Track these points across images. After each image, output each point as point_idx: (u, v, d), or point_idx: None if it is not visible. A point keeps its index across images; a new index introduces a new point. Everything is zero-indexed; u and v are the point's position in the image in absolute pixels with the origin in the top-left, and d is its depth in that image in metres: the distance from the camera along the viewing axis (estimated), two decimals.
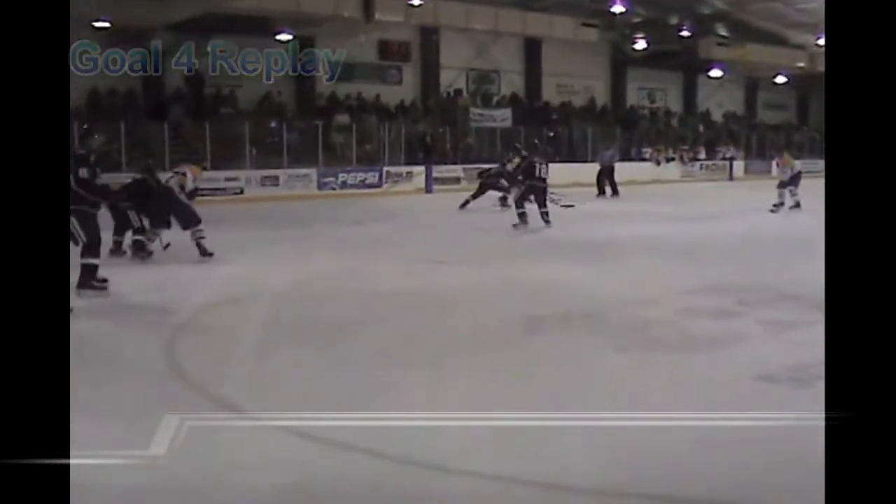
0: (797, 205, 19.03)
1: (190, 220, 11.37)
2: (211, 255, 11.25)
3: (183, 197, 11.52)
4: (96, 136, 9.12)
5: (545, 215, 15.47)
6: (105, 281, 8.36)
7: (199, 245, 11.29)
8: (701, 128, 41.02)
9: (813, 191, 18.81)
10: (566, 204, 16.40)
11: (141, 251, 11.24)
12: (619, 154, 28.62)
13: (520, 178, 16.08)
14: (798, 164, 19.49)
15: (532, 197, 15.43)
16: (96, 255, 8.39)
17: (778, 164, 20.05)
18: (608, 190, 25.03)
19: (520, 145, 30.05)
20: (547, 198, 15.69)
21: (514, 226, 15.09)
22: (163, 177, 11.96)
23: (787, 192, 19.13)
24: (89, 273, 8.31)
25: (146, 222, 11.30)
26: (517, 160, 18.20)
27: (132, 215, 11.22)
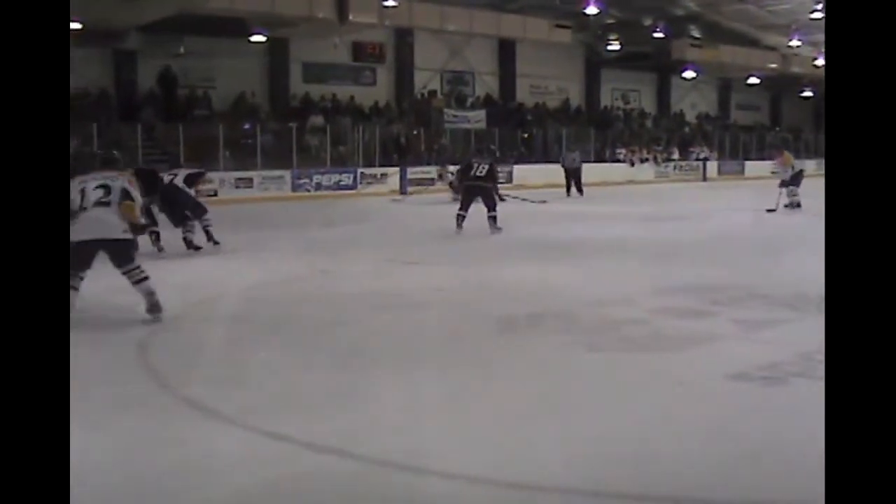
0: (798, 204, 18.51)
1: (199, 211, 12.22)
2: (199, 248, 11.95)
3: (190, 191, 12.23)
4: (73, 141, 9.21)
5: (492, 221, 14.65)
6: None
7: (186, 240, 11.99)
8: (687, 129, 41.27)
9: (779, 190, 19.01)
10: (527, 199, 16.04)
11: (158, 242, 11.90)
12: (582, 157, 28.76)
13: (459, 179, 15.46)
14: (798, 164, 19.07)
15: (480, 199, 14.83)
16: None
17: (777, 164, 19.73)
18: (574, 191, 25.53)
19: (494, 146, 30.37)
20: (495, 201, 14.93)
21: (456, 228, 14.72)
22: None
23: (786, 191, 18.70)
24: None
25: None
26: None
27: (154, 209, 11.83)
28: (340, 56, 31.08)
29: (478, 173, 14.99)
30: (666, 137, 38.90)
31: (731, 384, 5.41)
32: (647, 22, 35.24)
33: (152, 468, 4.07)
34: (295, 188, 25.33)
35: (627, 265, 10.81)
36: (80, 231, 6.88)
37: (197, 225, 12.21)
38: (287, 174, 25.51)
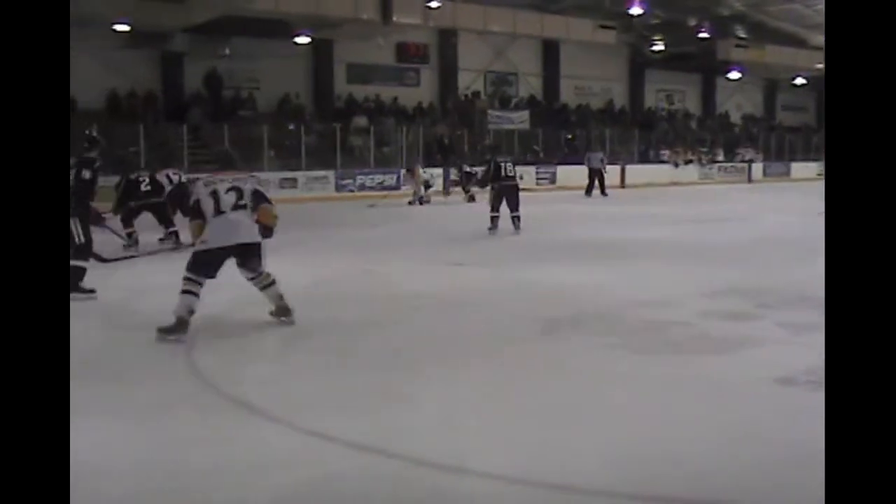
0: None
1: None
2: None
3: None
4: (99, 141, 9.31)
5: (516, 220, 14.84)
6: (93, 291, 8.38)
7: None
8: (736, 130, 40.92)
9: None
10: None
11: (177, 241, 12.53)
12: (627, 158, 28.86)
13: (488, 180, 15.33)
14: None
15: (505, 200, 14.83)
16: (87, 258, 8.47)
17: None
18: (597, 191, 25.87)
19: (538, 147, 30.40)
20: (519, 201, 15.02)
21: (490, 230, 14.70)
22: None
23: None
24: (78, 276, 8.29)
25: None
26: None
27: (169, 210, 12.88)
28: (384, 57, 31.24)
29: (508, 173, 15.03)
30: (710, 139, 38.64)
31: (777, 388, 5.37)
32: (692, 22, 35.03)
33: (196, 465, 4.12)
34: (338, 188, 25.48)
35: (671, 267, 10.74)
36: (218, 236, 6.74)
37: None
38: (331, 174, 25.68)
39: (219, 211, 6.75)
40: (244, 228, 6.82)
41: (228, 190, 6.82)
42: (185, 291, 6.64)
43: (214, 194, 6.79)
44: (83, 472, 3.94)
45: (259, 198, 6.96)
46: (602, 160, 26.60)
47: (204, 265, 6.72)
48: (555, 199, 23.90)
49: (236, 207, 6.79)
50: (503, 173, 14.96)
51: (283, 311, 7.10)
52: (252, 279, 7.02)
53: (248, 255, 6.90)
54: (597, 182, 26.04)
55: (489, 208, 15.04)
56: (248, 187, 6.94)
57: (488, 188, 15.57)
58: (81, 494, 3.72)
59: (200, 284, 6.71)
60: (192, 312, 6.63)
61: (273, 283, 7.04)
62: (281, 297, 7.09)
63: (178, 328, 6.56)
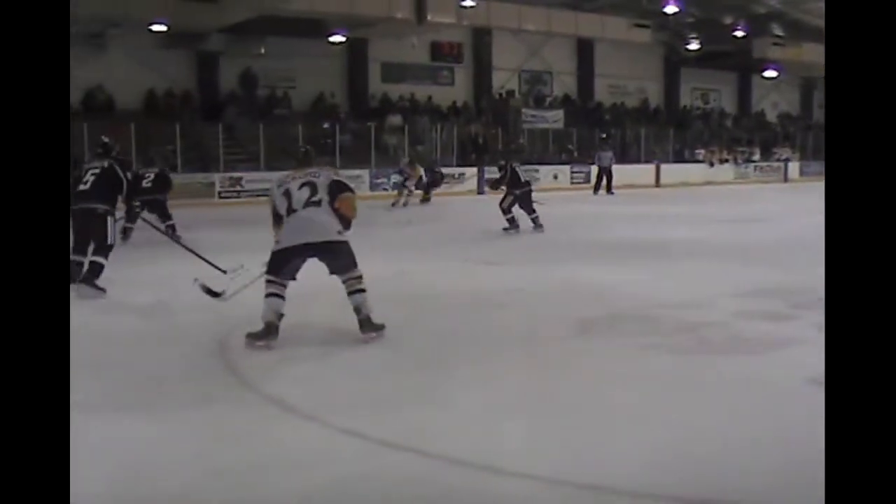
0: None
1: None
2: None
3: None
4: (113, 147, 9.51)
5: (536, 220, 14.88)
6: (103, 290, 8.48)
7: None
8: (778, 129, 40.55)
9: None
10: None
11: (174, 234, 12.79)
12: (662, 157, 28.87)
13: (505, 185, 15.08)
14: None
15: (519, 204, 14.86)
16: (108, 256, 8.57)
17: None
18: (602, 191, 26.20)
19: (572, 146, 30.35)
20: (533, 202, 15.06)
21: (505, 230, 14.71)
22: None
23: None
24: (96, 272, 8.44)
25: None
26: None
27: (167, 206, 13.59)
28: (419, 56, 31.28)
29: (526, 178, 15.30)
30: (746, 138, 38.37)
31: (812, 389, 5.31)
32: (728, 20, 34.76)
33: (229, 462, 4.16)
34: (373, 187, 25.55)
35: (705, 266, 10.67)
36: (290, 236, 6.42)
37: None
38: (366, 173, 25.75)
39: (291, 210, 6.44)
40: (316, 227, 6.43)
41: (301, 186, 6.49)
42: (268, 295, 6.40)
43: (287, 193, 6.48)
44: (118, 468, 4.02)
45: (336, 187, 6.59)
46: (611, 159, 26.91)
47: (280, 266, 6.44)
48: (586, 198, 23.86)
49: (308, 203, 6.43)
50: (522, 179, 15.11)
51: (362, 325, 6.58)
52: (344, 282, 6.60)
53: (328, 256, 6.51)
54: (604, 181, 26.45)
55: (502, 211, 14.96)
56: (322, 180, 6.57)
57: (493, 191, 15.79)
58: (115, 491, 3.80)
59: (283, 286, 6.45)
60: (280, 316, 6.38)
61: (358, 291, 6.57)
62: (359, 309, 6.56)
63: (266, 333, 6.35)
